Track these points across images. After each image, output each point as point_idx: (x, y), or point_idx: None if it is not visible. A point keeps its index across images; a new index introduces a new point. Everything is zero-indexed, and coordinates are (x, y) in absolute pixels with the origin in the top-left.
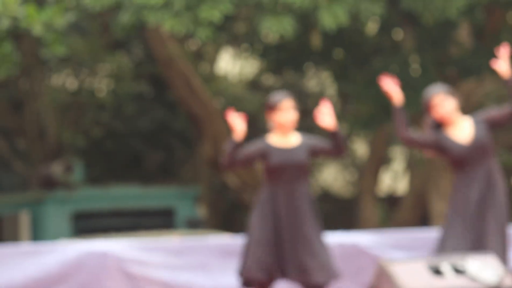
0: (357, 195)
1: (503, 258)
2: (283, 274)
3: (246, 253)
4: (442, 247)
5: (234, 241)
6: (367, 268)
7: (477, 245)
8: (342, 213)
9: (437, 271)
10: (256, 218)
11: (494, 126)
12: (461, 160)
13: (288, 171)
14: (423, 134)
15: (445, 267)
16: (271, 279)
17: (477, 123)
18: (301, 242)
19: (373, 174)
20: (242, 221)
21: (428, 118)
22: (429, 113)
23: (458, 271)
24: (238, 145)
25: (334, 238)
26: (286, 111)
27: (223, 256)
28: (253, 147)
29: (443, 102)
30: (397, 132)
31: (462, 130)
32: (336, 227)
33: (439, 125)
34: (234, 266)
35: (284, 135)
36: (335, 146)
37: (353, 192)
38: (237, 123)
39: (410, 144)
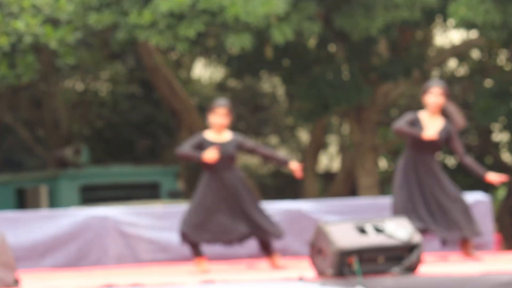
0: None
1: None
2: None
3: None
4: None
5: None
6: (308, 228)
7: None
8: (289, 186)
9: (362, 230)
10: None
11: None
12: (420, 143)
13: (221, 160)
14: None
15: (368, 227)
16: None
17: (446, 126)
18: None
19: (314, 156)
20: None
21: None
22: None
23: (378, 230)
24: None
25: (283, 206)
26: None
27: None
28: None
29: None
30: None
31: (434, 123)
32: (285, 197)
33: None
34: None
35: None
36: (265, 157)
37: None
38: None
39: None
